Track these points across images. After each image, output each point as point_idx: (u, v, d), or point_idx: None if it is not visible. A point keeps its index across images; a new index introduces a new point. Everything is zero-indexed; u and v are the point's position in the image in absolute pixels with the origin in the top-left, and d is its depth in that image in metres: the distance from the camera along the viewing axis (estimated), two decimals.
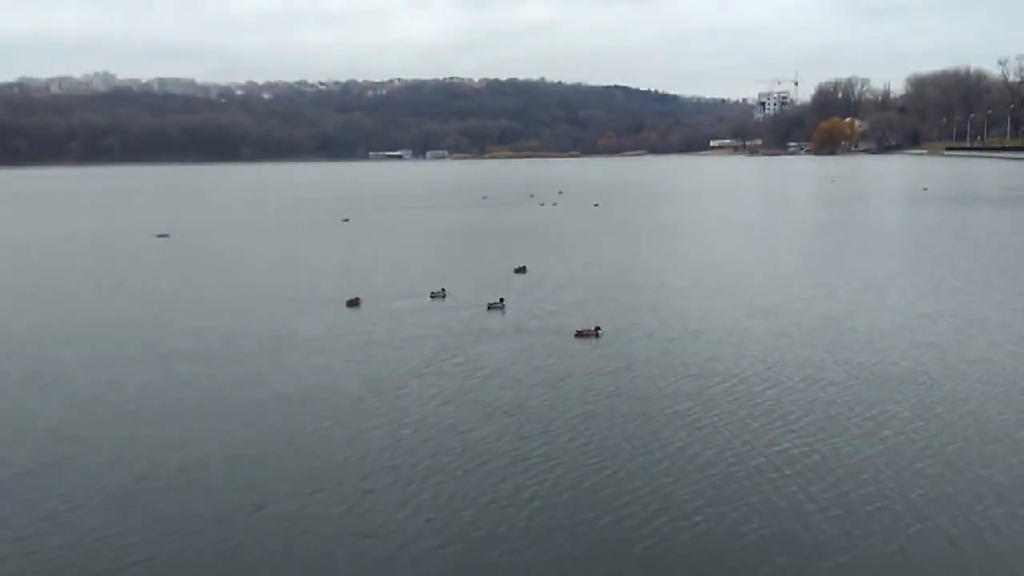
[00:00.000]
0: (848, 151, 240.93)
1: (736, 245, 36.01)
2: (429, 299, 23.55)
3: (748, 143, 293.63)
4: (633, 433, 12.34)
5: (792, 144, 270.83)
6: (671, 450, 11.64)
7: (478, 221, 51.84)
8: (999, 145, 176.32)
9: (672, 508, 9.94)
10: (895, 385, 14.39)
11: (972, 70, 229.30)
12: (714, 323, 19.40)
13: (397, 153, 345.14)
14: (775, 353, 16.44)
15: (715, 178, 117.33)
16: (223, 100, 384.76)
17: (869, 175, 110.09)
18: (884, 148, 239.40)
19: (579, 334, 18.13)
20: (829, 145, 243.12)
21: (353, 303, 22.93)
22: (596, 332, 18.12)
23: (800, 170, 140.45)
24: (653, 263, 30.49)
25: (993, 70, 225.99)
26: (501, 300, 22.45)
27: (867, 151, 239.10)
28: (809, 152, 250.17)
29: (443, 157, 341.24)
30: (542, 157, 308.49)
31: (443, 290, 24.23)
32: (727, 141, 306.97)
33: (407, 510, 10.14)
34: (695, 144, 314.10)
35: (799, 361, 15.84)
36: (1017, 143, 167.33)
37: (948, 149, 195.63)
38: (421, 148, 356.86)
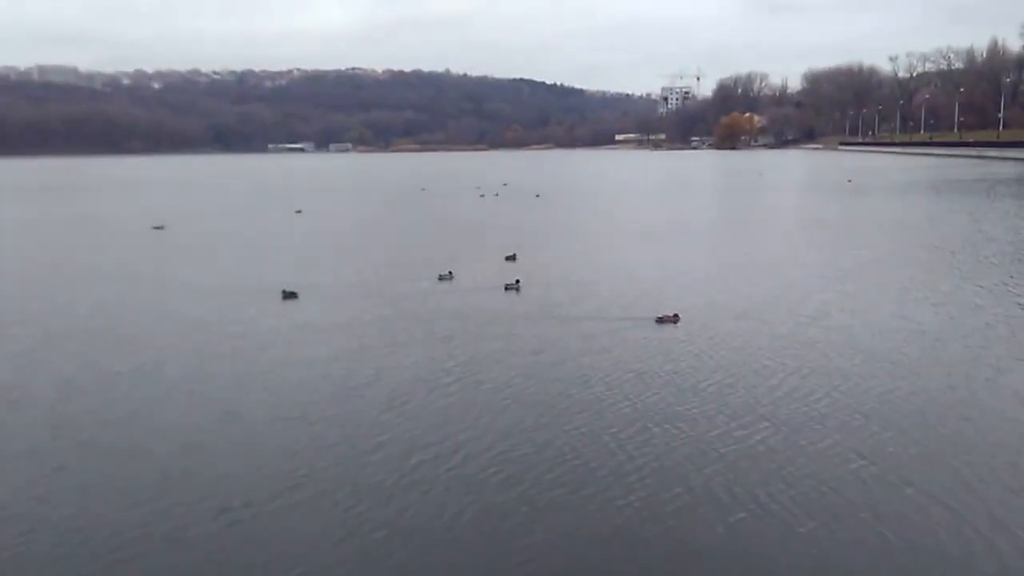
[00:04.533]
0: (748, 146, 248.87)
1: (698, 235, 36.47)
2: (437, 281, 23.18)
3: (652, 138, 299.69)
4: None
5: (695, 139, 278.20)
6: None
7: (433, 212, 50.96)
8: (889, 140, 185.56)
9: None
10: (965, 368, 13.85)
11: (865, 66, 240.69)
12: (753, 310, 18.91)
13: (299, 146, 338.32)
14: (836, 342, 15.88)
15: (632, 171, 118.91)
16: (109, 90, 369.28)
17: (785, 168, 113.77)
18: (782, 143, 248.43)
19: (660, 320, 17.51)
20: (730, 140, 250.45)
21: (290, 295, 21.23)
22: (675, 318, 17.55)
23: (710, 163, 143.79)
24: (634, 252, 30.40)
25: (885, 66, 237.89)
26: (517, 281, 22.08)
27: (765, 146, 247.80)
28: (711, 147, 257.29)
29: (347, 150, 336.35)
30: (449, 150, 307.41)
31: (450, 273, 23.80)
32: (632, 136, 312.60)
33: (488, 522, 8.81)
34: (601, 138, 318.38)
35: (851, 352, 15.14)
36: (905, 138, 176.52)
37: (842, 144, 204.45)
38: (324, 141, 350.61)
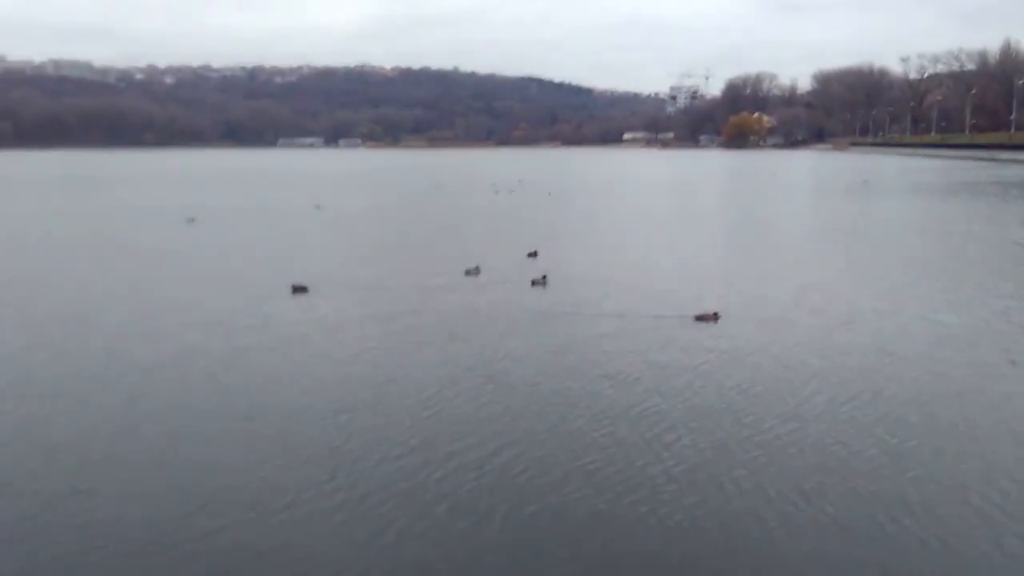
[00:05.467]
0: (757, 146, 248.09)
1: (718, 234, 36.46)
2: (463, 275, 23.29)
3: (660, 136, 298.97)
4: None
5: (703, 137, 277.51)
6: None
7: (450, 208, 51.04)
8: (900, 141, 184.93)
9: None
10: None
11: (876, 67, 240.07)
12: (786, 310, 18.87)
13: (308, 141, 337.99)
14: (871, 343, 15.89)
15: (642, 169, 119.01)
16: (122, 84, 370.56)
17: (797, 169, 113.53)
18: (791, 143, 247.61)
19: (699, 318, 17.39)
20: (739, 139, 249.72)
21: (299, 289, 21.33)
22: (715, 317, 17.42)
23: (720, 162, 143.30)
24: (655, 250, 30.46)
25: (896, 67, 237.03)
26: (544, 277, 22.24)
27: (775, 146, 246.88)
28: (720, 146, 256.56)
29: (356, 146, 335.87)
30: (457, 147, 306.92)
31: (477, 268, 24.02)
32: (640, 134, 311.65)
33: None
34: (609, 137, 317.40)
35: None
36: (916, 140, 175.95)
37: (852, 144, 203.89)
38: (333, 136, 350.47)
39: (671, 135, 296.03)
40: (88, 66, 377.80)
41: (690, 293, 20.56)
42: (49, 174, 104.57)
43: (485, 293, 20.94)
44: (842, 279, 23.00)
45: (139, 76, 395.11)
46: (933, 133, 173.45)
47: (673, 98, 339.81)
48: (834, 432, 10.97)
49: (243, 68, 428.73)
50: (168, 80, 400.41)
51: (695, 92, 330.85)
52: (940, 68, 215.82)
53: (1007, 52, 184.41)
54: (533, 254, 27.55)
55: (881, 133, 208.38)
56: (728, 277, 23.43)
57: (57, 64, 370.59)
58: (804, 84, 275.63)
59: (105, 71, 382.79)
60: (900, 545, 8.14)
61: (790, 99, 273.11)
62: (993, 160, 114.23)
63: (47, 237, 35.28)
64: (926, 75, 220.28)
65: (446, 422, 11.47)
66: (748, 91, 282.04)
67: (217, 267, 26.38)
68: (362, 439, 10.86)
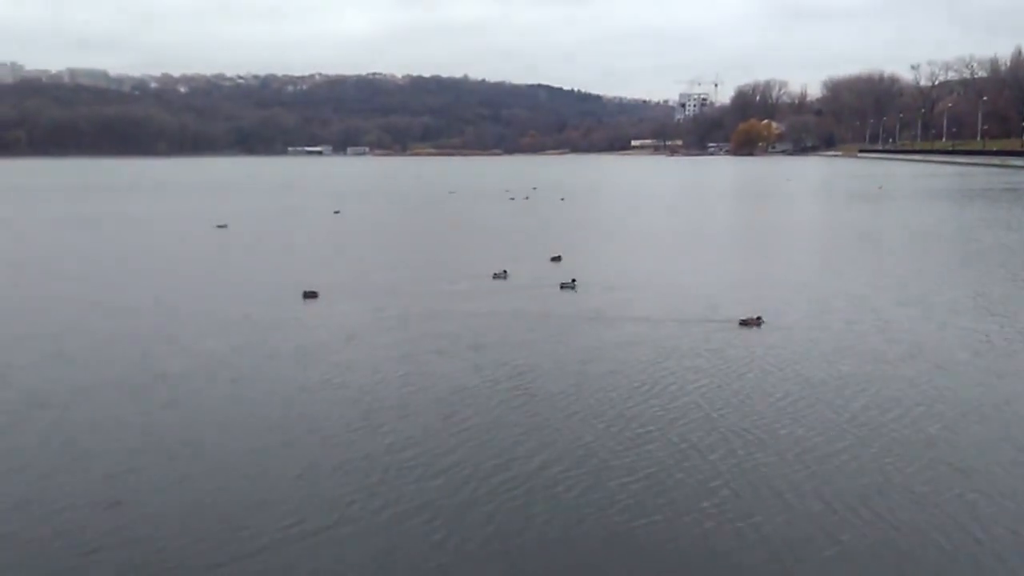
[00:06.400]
0: (766, 152, 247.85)
1: (739, 240, 36.89)
2: (491, 279, 23.59)
3: (668, 143, 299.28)
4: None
5: (711, 145, 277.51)
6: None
7: (467, 214, 51.43)
8: (909, 148, 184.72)
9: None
10: None
11: (886, 74, 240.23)
12: (822, 316, 18.67)
13: (317, 149, 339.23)
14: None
15: (652, 175, 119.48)
16: (137, 93, 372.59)
17: (810, 175, 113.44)
18: (800, 150, 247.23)
19: (744, 323, 17.46)
20: (747, 146, 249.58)
21: (312, 294, 21.51)
22: (758, 321, 17.48)
23: (730, 169, 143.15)
24: (678, 255, 30.73)
25: (906, 75, 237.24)
26: (573, 281, 22.50)
27: (784, 152, 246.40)
28: (728, 153, 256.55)
29: (364, 154, 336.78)
30: (465, 155, 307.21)
31: (504, 272, 24.26)
32: (648, 141, 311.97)
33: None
34: (617, 144, 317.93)
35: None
36: (927, 146, 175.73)
37: (861, 151, 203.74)
38: (342, 144, 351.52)
39: (679, 142, 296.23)
40: (104, 75, 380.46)
41: (724, 297, 20.61)
42: (71, 183, 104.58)
43: (517, 297, 21.17)
44: (870, 285, 22.96)
45: (154, 85, 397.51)
46: (944, 140, 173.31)
47: (682, 105, 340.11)
48: (893, 446, 10.83)
49: (256, 77, 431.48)
50: (182, 89, 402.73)
51: (704, 99, 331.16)
52: (951, 75, 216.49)
53: (1018, 59, 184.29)
54: (557, 258, 27.82)
55: (891, 140, 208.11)
56: (757, 282, 23.53)
57: (73, 73, 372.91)
58: (814, 91, 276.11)
59: (120, 80, 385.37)
60: (977, 564, 7.98)
61: (800, 106, 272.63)
62: (1005, 166, 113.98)
63: (79, 244, 35.90)
64: (937, 82, 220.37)
65: (486, 432, 11.30)
66: (757, 98, 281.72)
67: (246, 273, 26.74)
68: (398, 451, 10.65)
